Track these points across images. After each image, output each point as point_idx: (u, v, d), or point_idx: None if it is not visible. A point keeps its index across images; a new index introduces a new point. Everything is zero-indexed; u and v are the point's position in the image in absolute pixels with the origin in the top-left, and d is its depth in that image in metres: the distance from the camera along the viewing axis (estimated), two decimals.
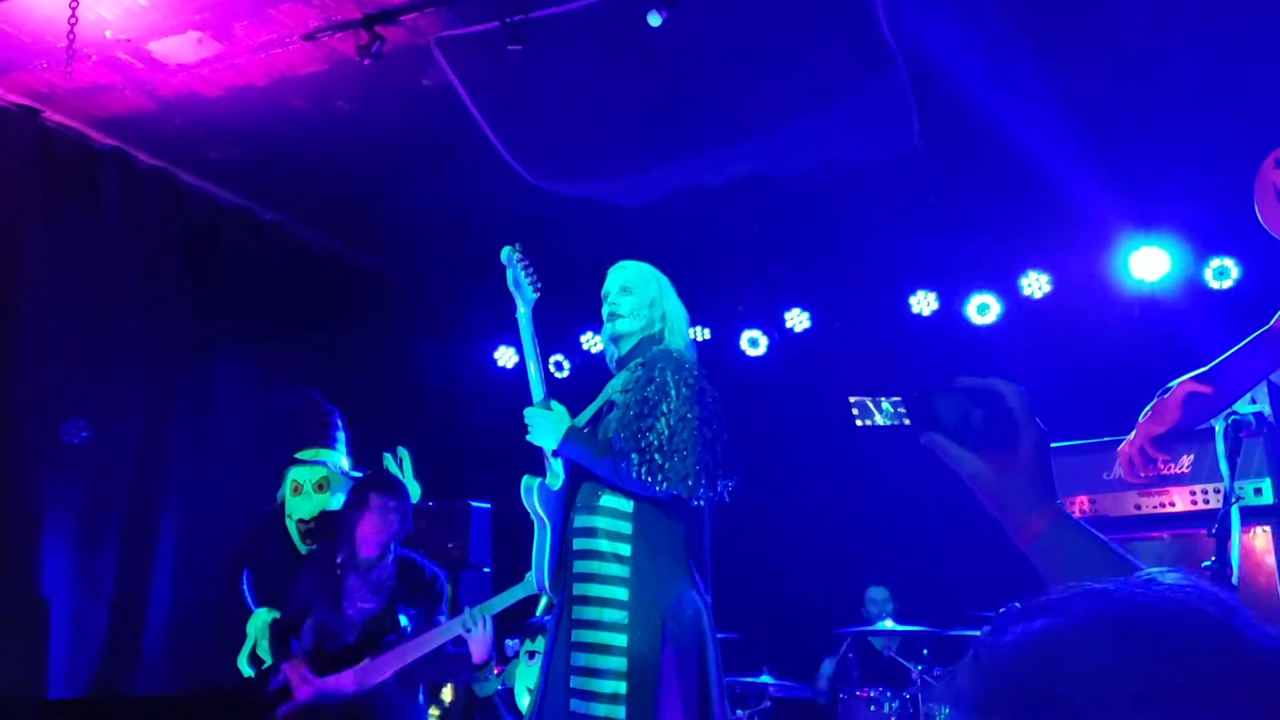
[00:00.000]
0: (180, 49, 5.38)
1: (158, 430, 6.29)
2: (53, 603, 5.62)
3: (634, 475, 3.30)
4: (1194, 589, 0.74)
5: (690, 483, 3.31)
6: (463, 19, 5.08)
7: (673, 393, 3.38)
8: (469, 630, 4.37)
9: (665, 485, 3.30)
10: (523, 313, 3.61)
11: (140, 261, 6.29)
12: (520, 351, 3.66)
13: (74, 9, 4.65)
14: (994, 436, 1.19)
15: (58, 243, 5.88)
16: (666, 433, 3.32)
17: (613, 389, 3.61)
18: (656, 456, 3.30)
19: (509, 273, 3.63)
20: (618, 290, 3.71)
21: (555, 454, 3.51)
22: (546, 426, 3.46)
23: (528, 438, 3.52)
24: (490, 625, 4.43)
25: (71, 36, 4.58)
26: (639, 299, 3.68)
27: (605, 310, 3.73)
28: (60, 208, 5.93)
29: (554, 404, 3.54)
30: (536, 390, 3.55)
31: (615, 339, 3.72)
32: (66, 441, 5.79)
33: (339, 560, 4.58)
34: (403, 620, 4.52)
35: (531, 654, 5.22)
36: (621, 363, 3.69)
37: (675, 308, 3.74)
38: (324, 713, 4.32)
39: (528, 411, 3.52)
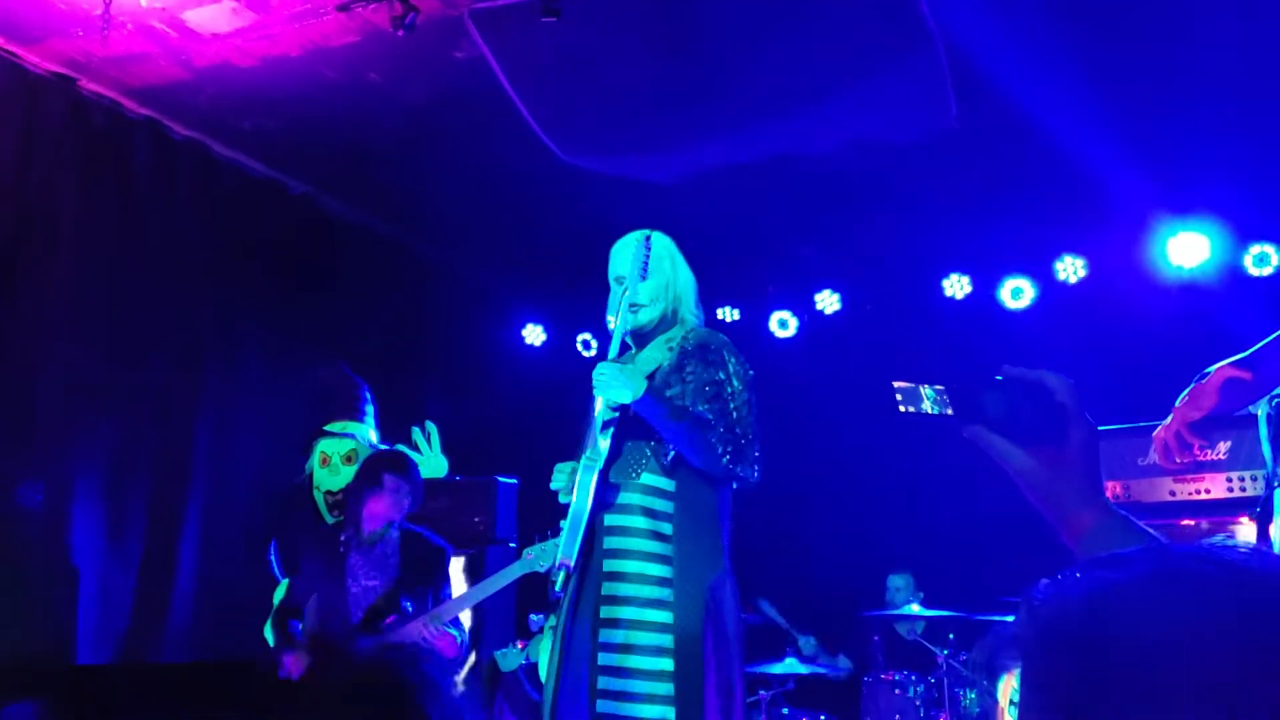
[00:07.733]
0: (215, 18, 5.37)
1: (186, 400, 6.31)
2: (81, 571, 5.68)
3: (718, 448, 3.23)
4: (1255, 552, 0.74)
5: (755, 469, 3.30)
6: None
7: (735, 381, 3.33)
8: (425, 636, 4.23)
9: (740, 468, 3.26)
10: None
11: (172, 232, 6.30)
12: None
13: None
14: (1042, 431, 1.16)
15: (91, 212, 5.90)
16: (739, 415, 3.29)
17: (648, 367, 3.42)
18: (741, 438, 3.26)
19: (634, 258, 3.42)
20: (634, 277, 3.40)
21: (626, 408, 3.26)
22: (623, 379, 3.20)
23: (597, 392, 3.27)
24: (449, 627, 4.32)
25: (107, 3, 4.58)
26: (656, 283, 3.45)
27: (620, 300, 3.42)
28: (94, 177, 5.94)
29: (634, 356, 3.42)
30: (614, 348, 3.36)
31: (637, 330, 3.48)
32: (94, 410, 5.82)
33: (343, 538, 4.47)
34: (406, 605, 4.39)
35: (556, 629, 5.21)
36: (642, 340, 3.52)
37: (686, 276, 3.57)
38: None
39: (600, 365, 3.26)
